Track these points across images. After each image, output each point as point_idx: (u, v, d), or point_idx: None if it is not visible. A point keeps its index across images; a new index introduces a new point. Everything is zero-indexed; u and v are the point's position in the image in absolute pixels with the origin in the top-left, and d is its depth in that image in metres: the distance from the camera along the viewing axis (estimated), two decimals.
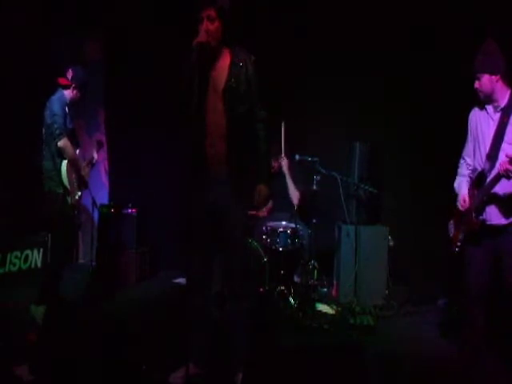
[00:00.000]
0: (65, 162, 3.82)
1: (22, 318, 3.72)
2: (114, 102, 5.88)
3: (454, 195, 3.21)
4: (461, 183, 3.19)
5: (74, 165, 3.88)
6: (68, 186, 3.84)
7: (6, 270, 4.82)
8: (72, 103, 3.96)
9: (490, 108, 3.02)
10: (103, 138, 5.92)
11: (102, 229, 5.34)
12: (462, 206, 3.11)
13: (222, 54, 2.78)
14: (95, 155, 4.32)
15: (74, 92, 3.91)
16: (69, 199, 3.86)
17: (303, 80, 5.36)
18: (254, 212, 2.85)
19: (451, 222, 3.24)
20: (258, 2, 5.20)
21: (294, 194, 4.73)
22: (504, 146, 2.90)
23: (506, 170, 2.73)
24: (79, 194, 3.95)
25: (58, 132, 3.72)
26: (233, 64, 2.76)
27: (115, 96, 5.81)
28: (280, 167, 4.76)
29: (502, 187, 2.89)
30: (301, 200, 4.78)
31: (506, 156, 2.74)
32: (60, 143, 3.72)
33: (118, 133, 5.85)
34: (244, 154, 2.79)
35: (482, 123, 3.05)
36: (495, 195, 2.92)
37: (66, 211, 3.88)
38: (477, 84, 2.99)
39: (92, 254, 5.16)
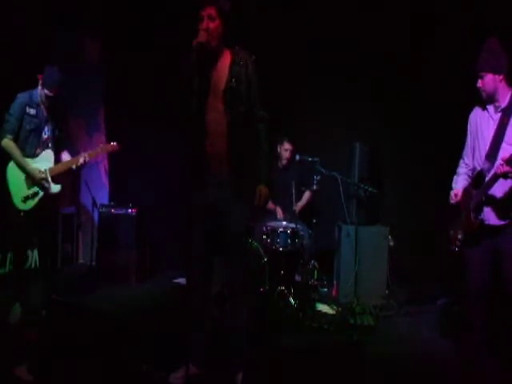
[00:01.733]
0: (10, 164, 3.70)
1: (22, 318, 3.72)
2: (113, 101, 5.87)
3: None
4: (458, 180, 3.21)
5: (20, 167, 3.69)
6: (10, 188, 3.70)
7: (6, 270, 4.82)
8: (49, 101, 3.76)
9: (490, 108, 3.02)
10: (103, 139, 5.94)
11: (101, 229, 5.34)
12: (452, 199, 3.11)
13: (223, 53, 2.78)
14: (81, 159, 3.82)
15: (44, 90, 3.72)
16: (14, 201, 3.70)
17: (303, 80, 5.37)
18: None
19: (451, 221, 3.24)
20: (258, 2, 5.20)
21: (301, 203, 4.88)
22: (504, 146, 2.90)
23: (504, 172, 2.73)
24: (23, 197, 3.70)
25: (2, 131, 3.65)
26: (233, 64, 2.75)
27: (115, 96, 5.80)
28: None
29: (500, 188, 2.89)
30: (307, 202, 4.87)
31: (502, 159, 2.75)
32: (2, 143, 3.63)
33: (118, 132, 5.85)
34: (244, 154, 2.79)
35: (482, 123, 3.05)
36: (493, 196, 2.92)
37: (10, 214, 3.72)
38: (479, 83, 2.96)
39: (92, 254, 5.16)
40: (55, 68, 3.75)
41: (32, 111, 3.72)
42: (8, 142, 3.64)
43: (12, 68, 4.82)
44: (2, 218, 4.07)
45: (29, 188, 3.72)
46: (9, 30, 4.81)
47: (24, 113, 3.69)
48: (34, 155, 3.74)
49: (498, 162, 2.82)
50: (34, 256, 5.11)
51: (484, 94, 2.98)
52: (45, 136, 3.78)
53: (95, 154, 3.92)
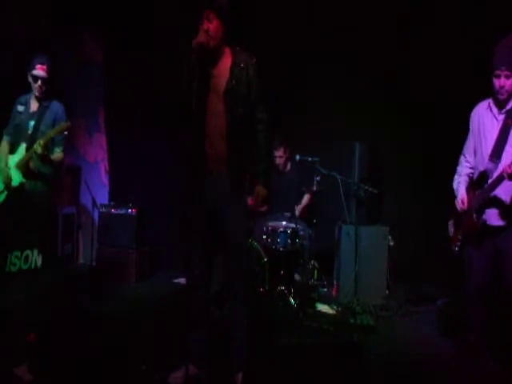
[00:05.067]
0: None
1: (22, 318, 3.72)
2: (113, 101, 5.87)
3: (453, 195, 3.21)
4: (459, 184, 3.18)
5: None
6: None
7: (6, 270, 4.82)
8: (40, 98, 3.82)
9: (494, 108, 3.00)
10: (104, 139, 5.95)
11: (101, 229, 5.34)
12: (460, 207, 3.10)
13: (223, 54, 2.77)
14: (35, 146, 3.67)
15: (33, 86, 3.81)
16: None
17: (303, 80, 5.37)
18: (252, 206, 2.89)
19: (451, 221, 3.24)
20: (258, 2, 5.20)
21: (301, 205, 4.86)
22: (507, 148, 2.89)
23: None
24: None
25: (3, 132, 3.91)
26: (234, 65, 2.75)
27: (115, 96, 5.81)
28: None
29: (503, 189, 2.89)
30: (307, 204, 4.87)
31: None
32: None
33: (118, 133, 5.85)
34: (244, 155, 2.79)
35: (486, 122, 3.03)
36: (496, 197, 2.91)
37: None
38: (503, 82, 2.86)
39: (92, 254, 5.16)
40: (43, 53, 3.82)
41: (20, 108, 3.82)
42: (1, 143, 3.87)
43: (12, 68, 4.83)
44: None
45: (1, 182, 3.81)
46: (9, 31, 4.81)
47: (15, 111, 3.83)
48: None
49: (505, 162, 2.81)
50: (34, 256, 5.12)
51: (505, 94, 2.89)
52: (29, 132, 3.77)
53: (48, 138, 3.68)
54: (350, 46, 5.14)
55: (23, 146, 3.77)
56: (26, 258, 5.04)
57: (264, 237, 4.42)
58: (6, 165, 3.81)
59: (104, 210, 5.36)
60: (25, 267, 5.02)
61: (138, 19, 5.49)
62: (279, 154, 4.89)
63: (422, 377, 3.09)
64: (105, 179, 6.02)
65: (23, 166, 3.74)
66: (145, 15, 5.47)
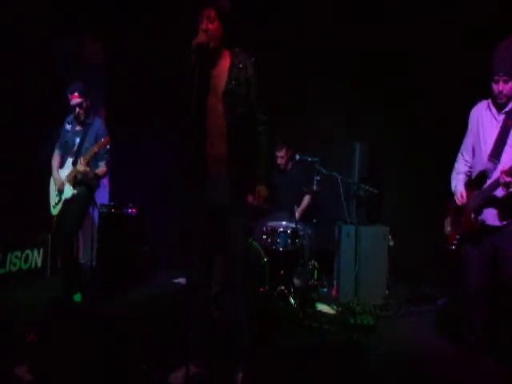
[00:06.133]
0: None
1: (22, 318, 3.72)
2: (114, 102, 5.88)
3: (453, 195, 3.22)
4: (458, 181, 3.20)
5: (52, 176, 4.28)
6: (49, 197, 4.27)
7: (6, 270, 4.83)
8: (79, 118, 4.16)
9: (493, 109, 3.00)
10: None
11: (101, 229, 5.34)
12: (459, 201, 3.11)
13: (222, 55, 2.77)
14: (78, 166, 4.03)
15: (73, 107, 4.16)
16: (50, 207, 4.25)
17: (303, 80, 5.37)
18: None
19: (447, 219, 3.24)
20: (259, 3, 5.21)
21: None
22: (506, 149, 2.90)
23: (506, 183, 2.74)
24: (54, 204, 4.20)
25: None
26: (233, 66, 2.75)
27: (115, 96, 5.81)
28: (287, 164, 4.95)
29: (502, 190, 2.89)
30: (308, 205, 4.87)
31: (501, 171, 2.77)
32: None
33: (118, 133, 5.84)
34: (244, 155, 2.79)
35: (485, 122, 3.04)
36: (495, 197, 2.92)
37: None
38: (502, 87, 2.89)
39: (92, 254, 5.16)
40: (77, 81, 4.15)
41: (68, 127, 4.23)
42: (54, 155, 4.27)
43: (13, 69, 4.84)
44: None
45: (56, 196, 4.18)
46: (9, 31, 4.82)
47: (64, 129, 4.24)
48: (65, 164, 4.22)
49: (499, 171, 2.82)
50: (33, 256, 5.13)
51: (504, 99, 2.92)
52: (74, 148, 4.15)
53: (91, 155, 4.01)
54: (350, 46, 5.14)
55: (69, 160, 4.16)
56: (26, 257, 5.06)
57: (264, 237, 4.42)
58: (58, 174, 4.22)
59: (104, 210, 5.36)
60: (25, 267, 5.03)
61: (138, 19, 5.49)
62: (281, 155, 4.90)
63: (421, 377, 3.09)
64: (105, 179, 6.02)
65: (72, 179, 4.11)
66: (145, 15, 5.48)
